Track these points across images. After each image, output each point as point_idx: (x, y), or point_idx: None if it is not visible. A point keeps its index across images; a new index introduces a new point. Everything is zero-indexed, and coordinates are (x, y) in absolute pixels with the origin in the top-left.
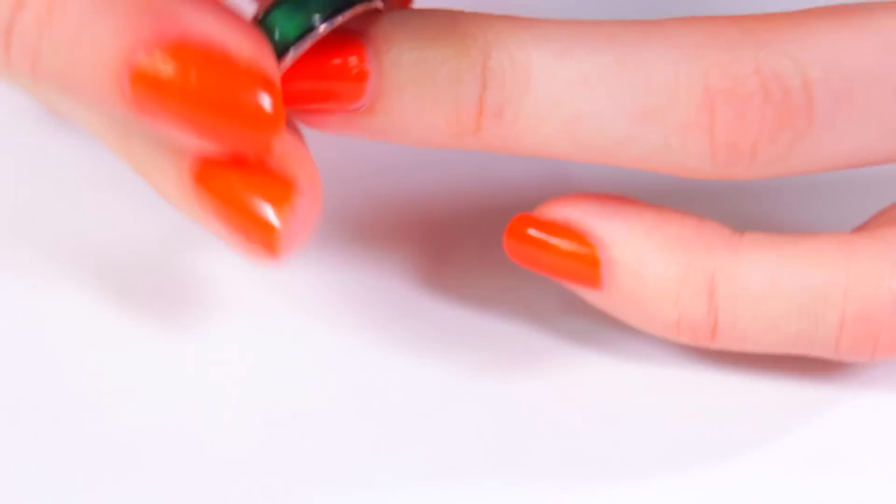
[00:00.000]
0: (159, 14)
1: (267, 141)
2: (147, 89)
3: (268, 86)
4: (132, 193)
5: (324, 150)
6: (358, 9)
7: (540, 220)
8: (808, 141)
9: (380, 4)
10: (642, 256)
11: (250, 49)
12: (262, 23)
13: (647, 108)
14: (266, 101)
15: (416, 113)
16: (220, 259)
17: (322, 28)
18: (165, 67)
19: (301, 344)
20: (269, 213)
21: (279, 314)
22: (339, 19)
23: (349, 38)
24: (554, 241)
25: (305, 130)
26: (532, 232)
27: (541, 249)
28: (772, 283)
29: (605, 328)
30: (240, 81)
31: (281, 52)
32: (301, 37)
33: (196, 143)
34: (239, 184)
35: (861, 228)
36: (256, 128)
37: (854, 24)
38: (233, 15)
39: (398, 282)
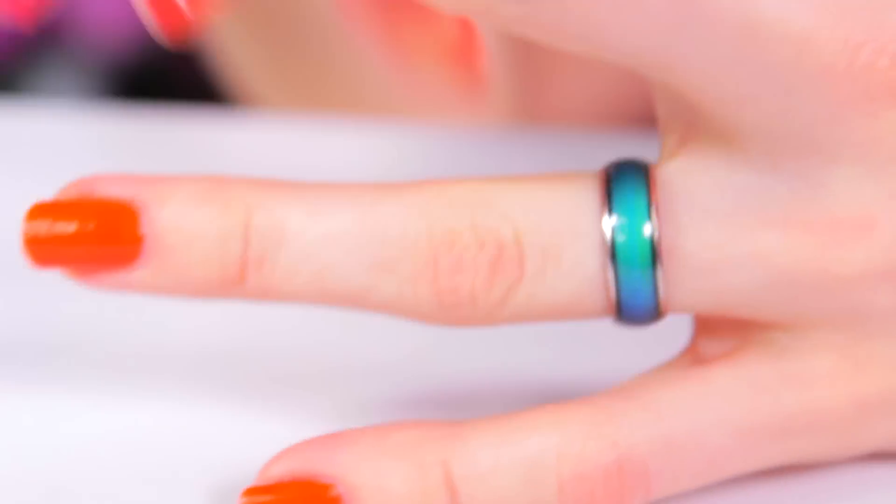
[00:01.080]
0: None
1: None
2: None
3: None
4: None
5: None
6: None
7: (266, 486)
8: (522, 290)
9: None
10: (378, 471)
11: None
12: None
13: (383, 260)
14: None
15: (187, 270)
16: None
17: None
18: None
19: None
20: None
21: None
22: None
23: (121, 205)
24: (288, 498)
25: None
26: (264, 500)
27: None
28: (496, 459)
29: None
30: None
31: None
32: None
33: None
34: None
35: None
36: None
37: (562, 181)
38: None
39: None
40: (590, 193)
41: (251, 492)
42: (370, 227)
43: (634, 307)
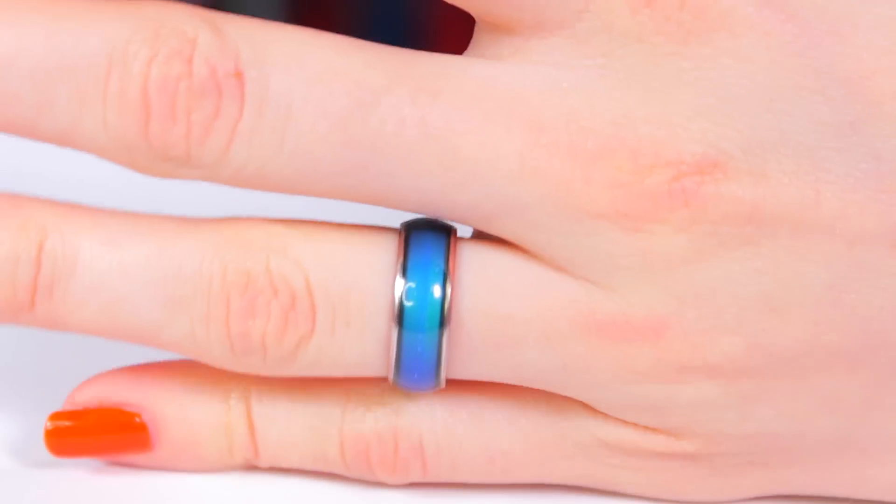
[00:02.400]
0: None
1: None
2: None
3: None
4: None
5: None
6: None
7: (72, 411)
8: (312, 345)
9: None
10: (183, 402)
11: None
12: None
13: (177, 297)
14: None
15: None
16: None
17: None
18: None
19: None
20: None
21: None
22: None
23: None
24: (93, 424)
25: None
26: (69, 424)
27: (84, 436)
28: (291, 404)
29: None
30: None
31: None
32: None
33: None
34: None
35: None
36: None
37: (361, 236)
38: None
39: None
40: (385, 253)
41: (57, 416)
42: (165, 263)
43: (415, 373)
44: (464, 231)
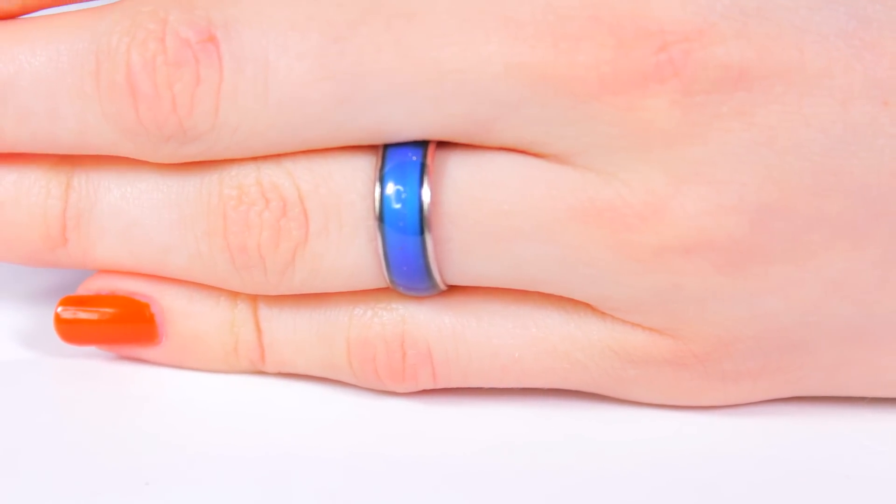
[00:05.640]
0: None
1: None
2: None
3: None
4: None
5: None
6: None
7: (84, 297)
8: (308, 250)
9: None
10: (191, 295)
11: None
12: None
13: (181, 216)
14: None
15: (12, 230)
16: None
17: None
18: None
19: None
20: None
21: None
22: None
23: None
24: (103, 311)
25: None
26: (80, 312)
27: (93, 324)
28: (296, 306)
29: None
30: None
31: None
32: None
33: None
34: None
35: None
36: None
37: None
38: None
39: None
40: (371, 158)
41: (68, 301)
42: (169, 184)
43: (405, 269)
44: None
